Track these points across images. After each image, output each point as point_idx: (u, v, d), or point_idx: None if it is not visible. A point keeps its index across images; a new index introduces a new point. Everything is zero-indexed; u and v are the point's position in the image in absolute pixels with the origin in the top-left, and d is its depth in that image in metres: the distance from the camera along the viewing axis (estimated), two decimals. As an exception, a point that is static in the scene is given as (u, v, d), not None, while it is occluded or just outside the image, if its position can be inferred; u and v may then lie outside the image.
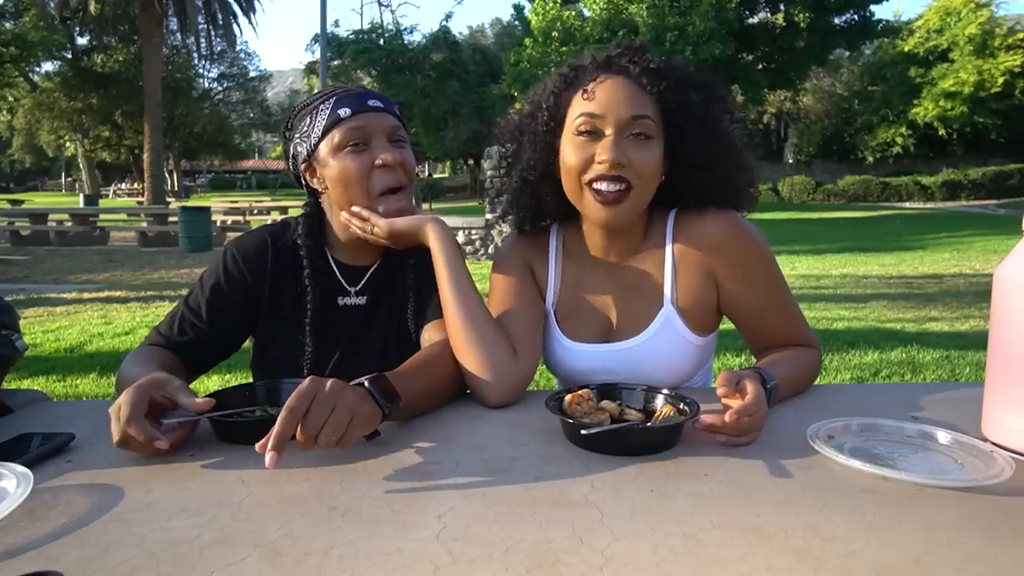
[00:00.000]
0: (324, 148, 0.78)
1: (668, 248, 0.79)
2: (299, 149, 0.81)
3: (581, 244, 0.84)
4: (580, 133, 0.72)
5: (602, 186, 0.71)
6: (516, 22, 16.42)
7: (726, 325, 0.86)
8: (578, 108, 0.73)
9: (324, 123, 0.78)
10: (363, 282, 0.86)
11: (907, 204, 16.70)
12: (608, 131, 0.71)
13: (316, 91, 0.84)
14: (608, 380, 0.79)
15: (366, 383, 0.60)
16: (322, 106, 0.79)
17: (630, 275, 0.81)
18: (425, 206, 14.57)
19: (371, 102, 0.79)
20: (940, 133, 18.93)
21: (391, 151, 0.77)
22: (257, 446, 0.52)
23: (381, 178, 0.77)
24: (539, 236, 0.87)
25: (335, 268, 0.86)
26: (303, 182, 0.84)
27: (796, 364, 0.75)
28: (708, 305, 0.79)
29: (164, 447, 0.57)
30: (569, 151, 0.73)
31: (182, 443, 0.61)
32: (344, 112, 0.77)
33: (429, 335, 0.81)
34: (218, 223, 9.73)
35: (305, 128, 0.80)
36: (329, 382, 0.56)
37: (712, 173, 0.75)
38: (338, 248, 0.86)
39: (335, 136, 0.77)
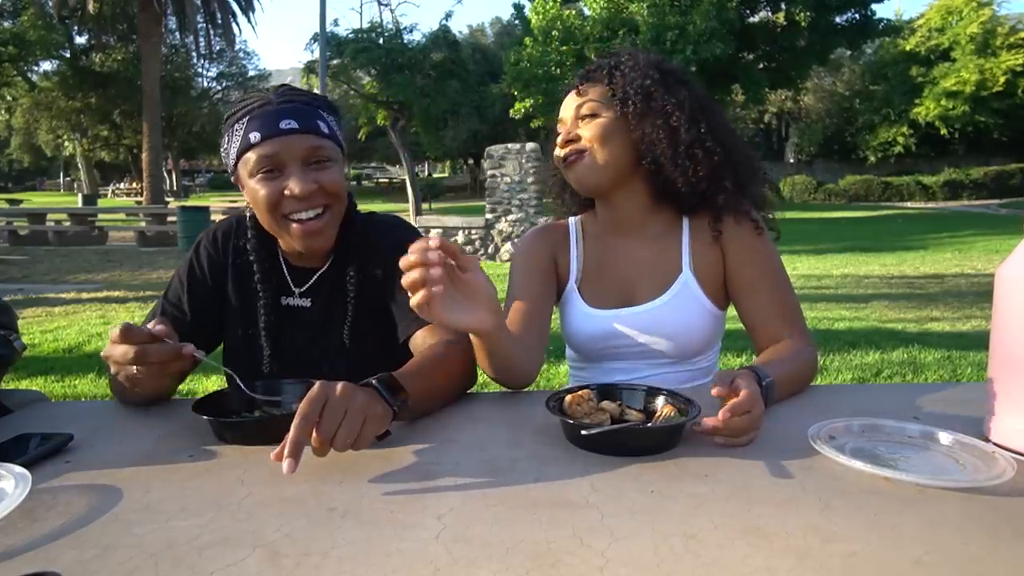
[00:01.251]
0: (241, 169, 0.76)
1: (685, 222, 0.88)
2: (226, 162, 0.79)
3: (599, 227, 0.92)
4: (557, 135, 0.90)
5: (566, 156, 0.86)
6: (516, 21, 16.38)
7: (729, 326, 0.86)
8: None
9: (237, 146, 0.74)
10: (309, 284, 0.84)
11: (908, 204, 16.66)
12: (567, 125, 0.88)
13: (238, 100, 0.78)
14: (627, 345, 0.86)
15: (374, 381, 0.60)
16: (236, 125, 0.75)
17: (649, 247, 0.88)
18: (425, 206, 14.54)
19: (284, 123, 0.72)
20: (942, 133, 18.87)
21: (302, 181, 0.72)
22: (272, 455, 0.52)
23: (291, 206, 0.74)
24: (560, 226, 0.95)
25: (284, 267, 0.84)
26: None
27: (793, 362, 0.76)
28: (720, 277, 0.86)
29: (190, 351, 0.62)
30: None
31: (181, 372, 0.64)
32: (254, 137, 0.73)
33: (424, 338, 0.79)
34: (217, 223, 9.69)
35: (224, 145, 0.77)
36: (339, 385, 0.55)
37: (690, 166, 0.81)
38: (286, 250, 0.84)
39: (248, 160, 0.74)
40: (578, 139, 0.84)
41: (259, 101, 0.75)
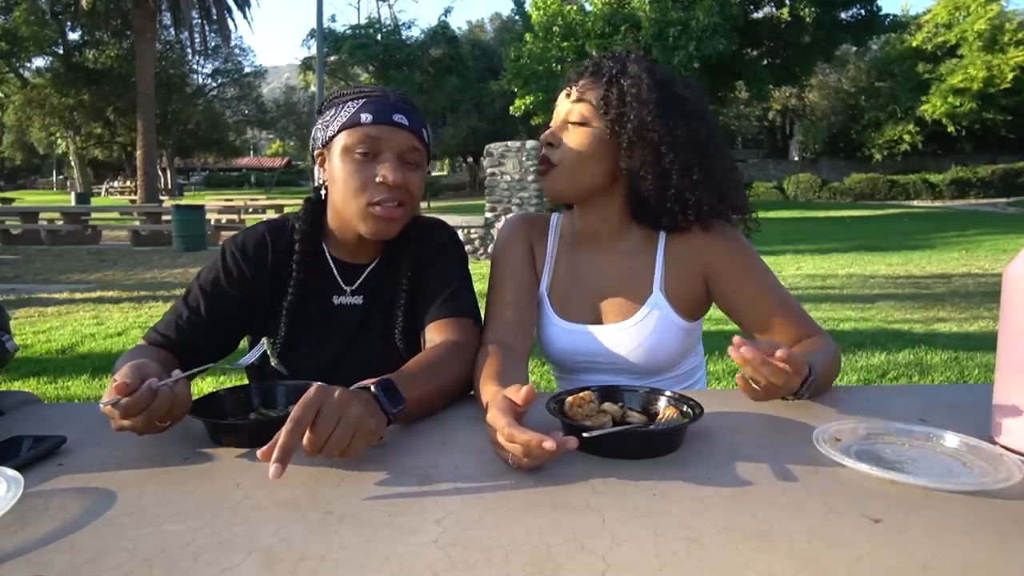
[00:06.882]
0: (337, 144, 0.78)
1: (660, 242, 0.84)
2: (318, 134, 0.81)
3: (575, 234, 0.89)
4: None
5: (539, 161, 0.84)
6: (516, 17, 16.33)
7: (728, 326, 0.85)
8: None
9: (343, 120, 0.77)
10: (359, 281, 0.85)
11: (915, 202, 16.60)
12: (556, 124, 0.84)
13: (353, 86, 0.83)
14: (598, 361, 0.84)
15: (372, 388, 0.59)
16: (349, 104, 0.78)
17: (621, 264, 0.85)
18: (424, 204, 14.53)
19: (396, 116, 0.77)
20: (948, 130, 18.76)
21: (395, 171, 0.75)
22: (259, 453, 0.51)
23: (378, 194, 0.76)
24: (541, 219, 0.92)
25: (332, 266, 0.85)
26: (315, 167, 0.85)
27: (825, 356, 0.73)
28: (696, 295, 0.84)
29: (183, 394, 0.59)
30: None
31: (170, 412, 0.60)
32: (365, 118, 0.76)
33: (431, 336, 0.80)
34: (212, 222, 9.67)
35: (328, 117, 0.80)
36: (336, 392, 0.55)
37: (679, 178, 0.78)
38: (336, 245, 0.85)
39: (349, 137, 0.76)
40: (558, 144, 0.80)
41: (377, 92, 0.80)
